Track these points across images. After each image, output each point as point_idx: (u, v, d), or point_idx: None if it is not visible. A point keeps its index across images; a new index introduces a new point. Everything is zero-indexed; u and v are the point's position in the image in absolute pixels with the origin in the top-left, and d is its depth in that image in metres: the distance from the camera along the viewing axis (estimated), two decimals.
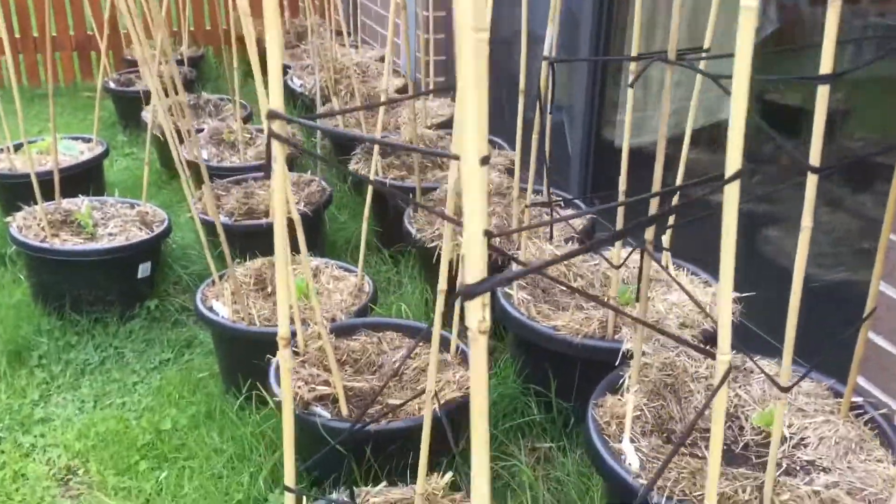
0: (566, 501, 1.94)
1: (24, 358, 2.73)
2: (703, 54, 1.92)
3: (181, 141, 3.57)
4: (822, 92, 1.22)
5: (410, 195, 2.90)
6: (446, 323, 2.63)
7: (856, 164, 2.11)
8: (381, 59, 4.80)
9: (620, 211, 1.96)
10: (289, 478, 1.26)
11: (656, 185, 1.60)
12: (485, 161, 0.56)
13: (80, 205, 3.13)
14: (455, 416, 1.91)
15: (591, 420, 1.71)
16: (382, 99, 2.63)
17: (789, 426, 1.73)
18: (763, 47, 3.90)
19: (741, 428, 1.75)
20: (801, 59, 4.36)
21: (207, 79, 5.96)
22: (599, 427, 1.69)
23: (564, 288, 2.33)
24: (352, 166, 3.36)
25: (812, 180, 1.27)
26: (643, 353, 1.84)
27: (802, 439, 1.67)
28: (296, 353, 2.16)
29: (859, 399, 1.70)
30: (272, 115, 1.03)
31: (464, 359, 2.16)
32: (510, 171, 3.18)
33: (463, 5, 0.51)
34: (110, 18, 3.96)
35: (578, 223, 2.67)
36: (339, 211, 3.61)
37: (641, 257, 1.65)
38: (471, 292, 0.56)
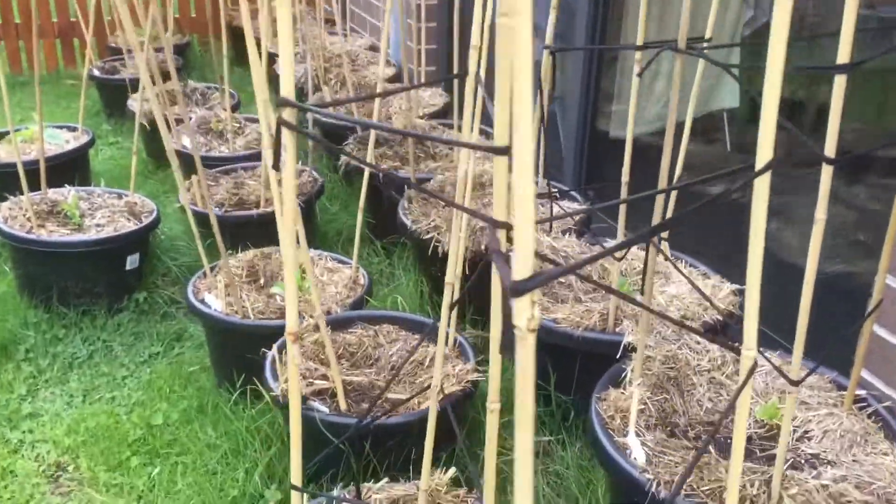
0: (567, 495, 1.92)
1: (11, 352, 2.68)
2: (705, 43, 1.90)
3: (169, 130, 3.51)
4: (839, 82, 1.20)
5: (406, 186, 2.87)
6: (435, 310, 2.60)
7: (863, 156, 2.10)
8: (371, 48, 4.75)
9: (623, 207, 1.93)
10: (296, 476, 1.23)
11: (663, 178, 1.57)
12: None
13: (67, 195, 3.07)
14: (456, 410, 1.89)
15: (595, 414, 1.69)
16: (379, 88, 2.60)
17: (793, 419, 1.72)
18: (752, 38, 3.90)
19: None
20: (791, 51, 4.36)
21: (193, 67, 5.88)
22: (603, 421, 1.67)
23: (583, 282, 2.31)
24: (344, 157, 3.32)
25: (827, 171, 1.25)
26: (645, 347, 1.82)
27: (806, 432, 1.65)
28: None
29: (862, 392, 1.69)
30: (283, 103, 1.00)
31: (461, 352, 2.13)
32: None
33: None
34: (95, 5, 3.88)
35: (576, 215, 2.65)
36: (329, 202, 3.56)
37: (647, 249, 1.63)
38: (520, 289, 0.53)
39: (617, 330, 2.02)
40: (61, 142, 3.65)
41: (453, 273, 1.42)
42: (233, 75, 4.35)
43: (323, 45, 4.19)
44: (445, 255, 2.55)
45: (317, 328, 2.24)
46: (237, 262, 2.60)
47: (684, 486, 1.46)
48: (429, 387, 1.87)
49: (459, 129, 3.12)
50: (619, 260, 2.00)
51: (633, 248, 2.23)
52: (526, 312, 0.54)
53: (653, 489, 1.47)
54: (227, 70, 3.62)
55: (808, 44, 3.26)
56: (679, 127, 3.19)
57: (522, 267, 0.53)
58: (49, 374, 2.60)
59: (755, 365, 0.92)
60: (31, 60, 5.87)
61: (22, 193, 2.87)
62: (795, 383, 1.35)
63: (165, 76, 4.22)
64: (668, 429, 1.70)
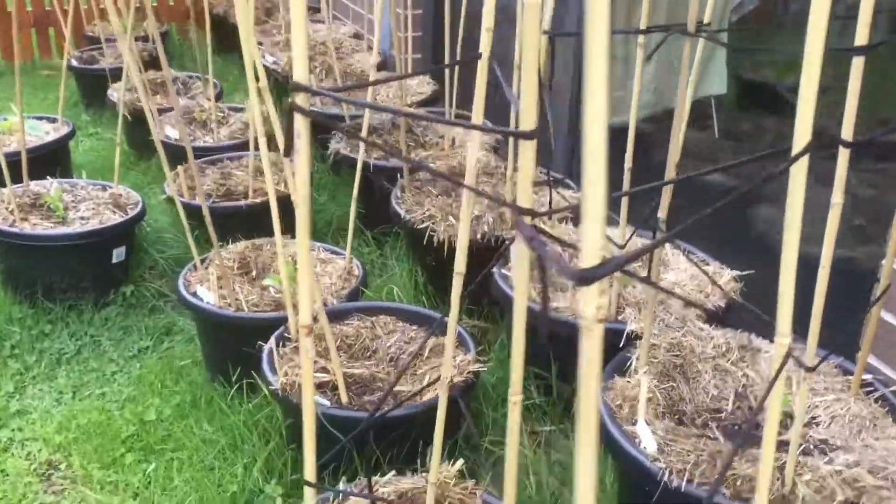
0: (572, 484, 1.91)
1: None
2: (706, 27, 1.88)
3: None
4: (857, 63, 1.19)
5: (399, 175, 2.83)
6: (435, 306, 2.58)
7: (874, 140, 2.09)
8: (355, 36, 4.70)
9: (625, 201, 1.92)
10: (309, 472, 1.19)
11: (670, 167, 1.55)
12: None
13: (49, 187, 3.00)
14: (462, 400, 1.87)
15: (602, 403, 1.67)
16: (372, 76, 2.55)
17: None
18: (739, 24, 3.89)
19: (750, 408, 1.73)
20: (779, 36, 4.36)
21: (172, 56, 5.79)
22: (611, 410, 1.65)
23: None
24: (333, 146, 3.27)
25: (844, 155, 1.24)
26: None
27: (814, 418, 1.65)
28: (287, 340, 2.09)
29: (869, 376, 1.69)
30: (297, 88, 0.96)
31: (461, 342, 2.11)
32: (496, 150, 3.12)
33: None
34: None
35: (573, 201, 2.62)
36: (318, 192, 3.52)
37: (654, 235, 1.61)
38: (588, 277, 0.50)
39: (619, 318, 2.01)
40: (41, 133, 3.57)
41: (463, 262, 1.38)
42: (213, 64, 4.28)
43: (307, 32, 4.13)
44: (441, 245, 2.53)
45: (315, 320, 2.21)
46: (228, 253, 2.56)
47: (697, 475, 1.45)
48: (437, 379, 1.84)
49: (453, 116, 3.09)
50: (622, 248, 1.98)
51: (638, 238, 2.21)
52: (595, 301, 0.51)
53: (665, 478, 1.45)
54: (210, 59, 3.56)
55: (793, 29, 3.26)
56: (670, 114, 3.17)
57: (592, 255, 0.51)
58: (36, 370, 2.54)
59: (790, 352, 0.90)
60: (7, 51, 5.74)
61: (3, 186, 2.80)
62: (811, 369, 1.34)
63: (146, 66, 4.15)
64: (676, 417, 1.68)
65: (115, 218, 2.86)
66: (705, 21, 1.94)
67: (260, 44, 4.79)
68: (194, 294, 2.33)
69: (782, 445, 1.66)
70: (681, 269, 2.17)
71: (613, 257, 0.51)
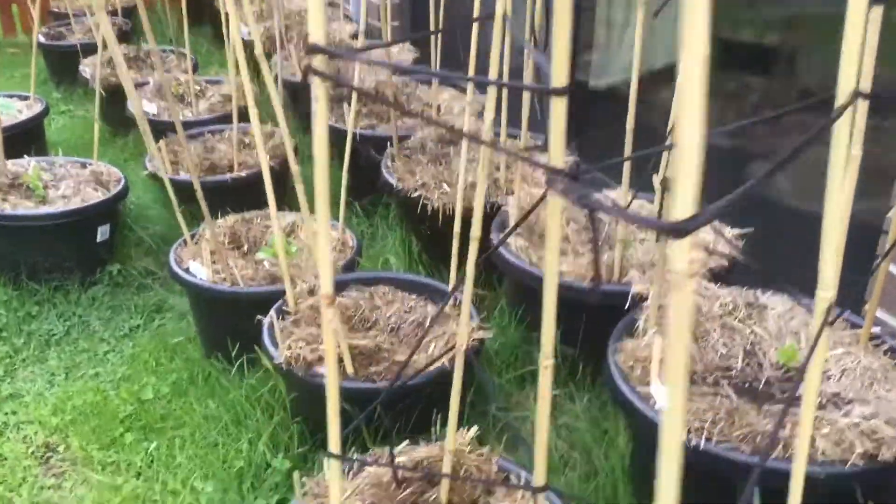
0: (582, 446, 1.91)
1: None
2: None
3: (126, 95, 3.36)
4: (875, 16, 1.17)
5: (389, 143, 2.79)
6: (431, 274, 2.55)
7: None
8: (330, 4, 4.61)
9: (628, 165, 1.90)
10: (333, 444, 1.17)
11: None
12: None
13: (27, 166, 2.92)
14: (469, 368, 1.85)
15: (614, 365, 1.66)
16: (359, 43, 2.50)
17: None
18: None
19: (760, 364, 1.74)
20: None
21: (139, 30, 5.64)
22: (622, 372, 1.65)
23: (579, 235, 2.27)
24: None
25: (863, 107, 1.23)
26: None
27: (825, 372, 1.66)
28: (286, 313, 2.06)
29: (877, 328, 1.70)
30: (314, 50, 0.92)
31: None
32: (480, 115, 3.08)
33: None
34: None
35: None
36: (302, 164, 3.45)
37: (662, 196, 1.59)
38: (684, 229, 0.48)
39: (623, 280, 2.00)
40: (14, 111, 3.47)
41: (478, 227, 1.36)
42: (182, 37, 4.18)
43: (280, 2, 4.04)
44: (435, 213, 2.50)
45: (311, 293, 2.18)
46: (218, 228, 2.51)
47: (716, 433, 1.45)
48: (452, 348, 1.83)
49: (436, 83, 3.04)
50: (625, 209, 1.96)
51: (636, 200, 2.20)
52: (686, 255, 0.49)
53: (684, 437, 1.45)
54: (186, 32, 3.47)
55: None
56: (653, 76, 3.16)
57: (685, 206, 0.49)
58: (26, 352, 2.48)
59: (832, 307, 0.90)
60: None
61: None
62: (830, 323, 1.34)
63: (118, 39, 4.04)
64: (688, 376, 1.68)
65: (98, 195, 2.79)
66: None
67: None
68: (187, 270, 2.29)
69: (795, 400, 1.67)
70: None
71: (704, 209, 0.48)
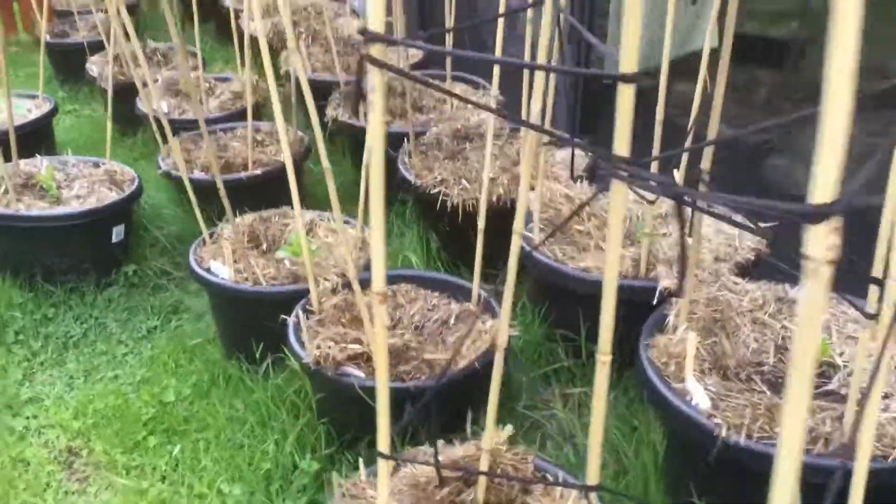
0: (609, 444, 1.90)
1: None
2: None
3: (135, 93, 3.34)
4: None
5: (406, 139, 2.77)
6: (451, 271, 2.52)
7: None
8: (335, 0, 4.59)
9: (658, 159, 1.88)
10: (383, 444, 1.16)
11: (714, 122, 1.52)
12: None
13: (40, 166, 2.90)
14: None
15: (647, 361, 1.65)
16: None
17: (840, 354, 1.71)
18: None
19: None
20: None
21: (143, 27, 5.62)
22: (657, 368, 1.63)
23: (581, 229, 2.26)
24: (330, 112, 3.19)
25: None
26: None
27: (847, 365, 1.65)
28: (310, 312, 2.05)
29: None
30: (371, 38, 0.90)
31: (486, 307, 2.08)
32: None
33: None
34: None
35: (582, 162, 2.59)
36: (314, 163, 3.44)
37: (696, 187, 1.58)
38: (822, 213, 0.46)
39: (650, 276, 1.99)
40: (23, 111, 3.45)
41: (521, 222, 1.35)
42: (187, 34, 4.16)
43: None
44: (455, 210, 2.49)
45: (334, 291, 2.16)
46: (236, 227, 2.49)
47: (756, 430, 1.44)
48: (490, 345, 1.81)
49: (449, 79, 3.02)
50: (651, 203, 1.95)
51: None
52: (825, 240, 0.48)
53: (723, 434, 1.44)
54: (197, 28, 3.44)
55: None
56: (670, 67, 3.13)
57: (825, 189, 0.47)
58: (43, 356, 2.47)
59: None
60: None
61: None
62: (872, 316, 1.33)
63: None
64: (721, 372, 1.67)
65: (113, 195, 2.78)
66: None
67: (239, 10, 4.67)
68: (208, 270, 2.27)
69: (827, 396, 1.66)
70: (705, 223, 2.15)
71: (844, 194, 0.47)
